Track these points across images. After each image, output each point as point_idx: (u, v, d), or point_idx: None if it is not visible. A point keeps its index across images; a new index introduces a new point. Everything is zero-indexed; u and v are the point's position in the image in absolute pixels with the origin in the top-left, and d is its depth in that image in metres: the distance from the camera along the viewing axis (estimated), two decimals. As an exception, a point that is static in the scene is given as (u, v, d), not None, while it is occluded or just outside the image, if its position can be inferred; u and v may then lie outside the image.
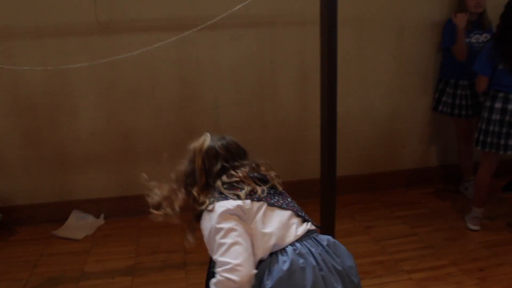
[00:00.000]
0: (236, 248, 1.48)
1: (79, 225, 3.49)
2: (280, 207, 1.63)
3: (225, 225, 1.51)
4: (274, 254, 1.54)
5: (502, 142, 3.07)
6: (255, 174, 1.70)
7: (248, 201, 1.58)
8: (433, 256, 3.01)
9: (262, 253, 1.54)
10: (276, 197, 1.67)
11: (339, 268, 1.55)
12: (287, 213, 1.63)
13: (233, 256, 1.47)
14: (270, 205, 1.62)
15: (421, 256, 3.01)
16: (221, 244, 1.49)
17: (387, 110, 3.93)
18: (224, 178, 1.67)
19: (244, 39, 3.49)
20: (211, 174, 1.72)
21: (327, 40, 2.02)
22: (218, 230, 1.51)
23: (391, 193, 4.00)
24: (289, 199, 1.72)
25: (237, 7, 2.29)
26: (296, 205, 1.71)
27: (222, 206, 1.56)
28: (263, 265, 1.53)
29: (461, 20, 3.38)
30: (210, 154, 1.74)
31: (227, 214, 1.53)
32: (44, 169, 3.49)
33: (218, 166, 1.71)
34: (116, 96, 3.44)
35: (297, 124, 3.77)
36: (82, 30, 3.26)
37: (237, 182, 1.65)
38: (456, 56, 3.54)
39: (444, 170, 4.17)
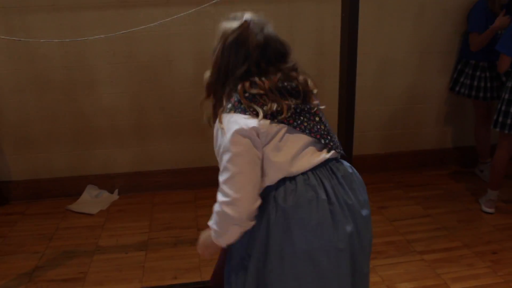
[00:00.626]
0: (240, 178, 1.35)
1: (94, 200, 3.52)
2: (303, 131, 1.43)
3: (234, 149, 1.35)
4: (282, 182, 1.42)
5: None
6: (286, 85, 1.43)
7: (267, 123, 1.38)
8: (446, 237, 3.00)
9: (269, 181, 1.42)
10: (302, 117, 1.44)
11: (350, 202, 1.45)
12: (308, 139, 1.45)
13: (235, 188, 1.35)
14: (292, 128, 1.42)
15: (434, 237, 3.00)
16: (226, 169, 1.37)
17: (403, 89, 3.88)
18: (247, 85, 1.41)
19: (262, 14, 3.44)
20: (232, 74, 1.46)
21: (348, 17, 1.99)
22: (226, 150, 1.36)
23: (405, 173, 3.98)
24: (317, 119, 1.48)
25: None
26: (324, 129, 1.49)
27: (236, 123, 1.36)
28: (269, 192, 1.42)
29: (501, 23, 3.32)
30: (238, 49, 1.46)
31: (239, 136, 1.34)
32: (60, 144, 3.52)
33: (243, 68, 1.44)
34: (132, 70, 3.43)
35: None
36: (99, 4, 3.24)
37: (260, 95, 1.40)
38: (472, 43, 3.49)
39: (459, 151, 4.13)
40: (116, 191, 3.65)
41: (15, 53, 3.27)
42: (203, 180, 3.62)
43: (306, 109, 1.46)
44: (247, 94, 1.40)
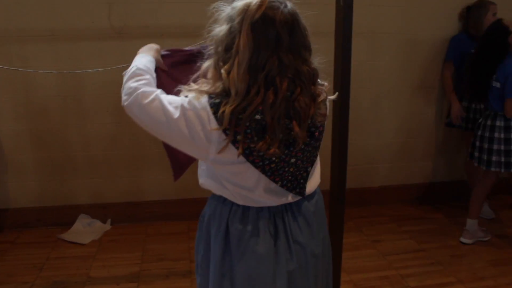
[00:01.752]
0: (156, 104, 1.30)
1: (86, 229, 3.49)
2: (265, 173, 1.33)
3: (183, 112, 1.26)
4: (237, 206, 1.42)
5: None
6: (284, 123, 1.25)
7: (233, 151, 1.26)
8: (440, 272, 2.98)
9: (228, 195, 1.43)
10: (274, 158, 1.30)
11: (301, 240, 1.45)
12: (266, 180, 1.35)
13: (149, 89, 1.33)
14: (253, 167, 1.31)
15: (428, 272, 2.98)
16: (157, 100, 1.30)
17: (395, 123, 3.92)
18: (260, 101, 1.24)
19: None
20: (257, 70, 1.23)
21: (342, 51, 2.02)
22: (178, 101, 1.29)
23: (398, 207, 3.98)
24: (292, 161, 1.33)
25: None
26: (292, 172, 1.37)
27: (204, 109, 1.25)
28: (225, 209, 1.44)
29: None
30: (266, 30, 1.22)
31: (192, 112, 1.25)
32: (53, 172, 3.50)
33: (273, 62, 1.22)
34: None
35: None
36: (96, 35, 3.28)
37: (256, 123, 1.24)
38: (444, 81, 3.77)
39: (452, 185, 4.14)
40: (109, 221, 3.62)
41: (12, 81, 3.28)
42: (197, 211, 3.57)
43: (285, 153, 1.31)
44: (247, 124, 1.23)
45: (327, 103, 1.38)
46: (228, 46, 1.25)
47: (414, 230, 3.57)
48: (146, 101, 1.30)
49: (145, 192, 3.65)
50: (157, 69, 1.63)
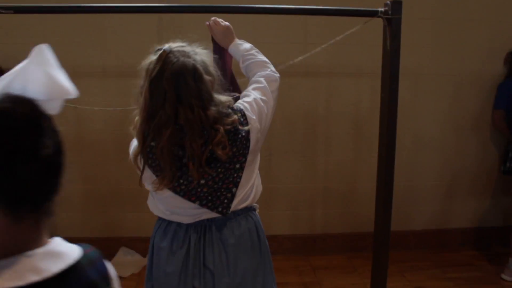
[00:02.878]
0: None
1: (126, 262, 3.52)
2: (177, 194, 1.55)
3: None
4: (163, 220, 1.66)
5: None
6: (179, 153, 1.48)
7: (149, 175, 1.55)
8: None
9: (157, 212, 1.68)
10: (182, 180, 1.51)
11: (210, 266, 1.57)
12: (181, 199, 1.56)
13: None
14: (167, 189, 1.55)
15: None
16: None
17: (440, 164, 3.84)
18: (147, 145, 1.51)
19: (299, 88, 3.54)
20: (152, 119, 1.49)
21: (388, 94, 2.02)
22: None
23: (442, 252, 3.85)
24: (202, 182, 1.52)
25: (299, 58, 2.32)
26: (206, 191, 1.54)
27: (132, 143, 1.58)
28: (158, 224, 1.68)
29: None
30: (156, 85, 1.46)
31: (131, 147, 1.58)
32: (98, 204, 3.58)
33: (161, 113, 1.46)
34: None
35: (349, 175, 3.73)
36: (145, 72, 3.39)
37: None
38: (495, 123, 3.65)
39: (500, 231, 3.98)
40: (149, 254, 3.64)
41: (65, 115, 3.35)
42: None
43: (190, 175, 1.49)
44: (150, 156, 1.49)
45: (250, 136, 1.55)
46: (137, 101, 1.52)
47: (459, 277, 3.44)
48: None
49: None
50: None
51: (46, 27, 3.33)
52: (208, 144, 1.45)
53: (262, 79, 1.67)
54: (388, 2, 1.98)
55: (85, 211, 3.59)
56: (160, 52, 1.46)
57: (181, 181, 1.50)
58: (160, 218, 1.67)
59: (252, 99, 1.61)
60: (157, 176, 1.50)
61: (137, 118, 1.53)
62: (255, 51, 1.79)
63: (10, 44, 3.31)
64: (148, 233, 3.59)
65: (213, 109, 1.46)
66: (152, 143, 1.45)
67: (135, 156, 1.51)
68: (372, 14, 2.00)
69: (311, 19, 3.42)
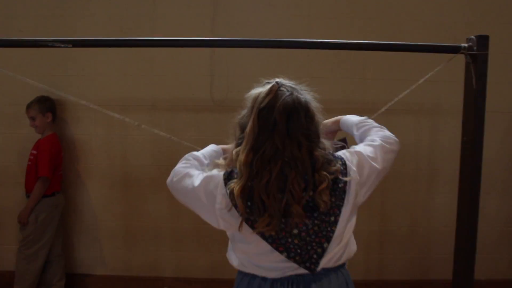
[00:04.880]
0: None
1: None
2: (266, 240, 1.39)
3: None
4: (251, 276, 1.48)
5: None
6: (281, 197, 1.34)
7: (235, 218, 1.37)
8: None
9: (241, 266, 1.49)
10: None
11: None
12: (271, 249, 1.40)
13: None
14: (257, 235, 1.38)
15: None
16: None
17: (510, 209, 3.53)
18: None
19: (401, 126, 3.34)
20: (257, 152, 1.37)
21: (473, 136, 1.83)
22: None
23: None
24: (295, 232, 1.38)
25: (403, 93, 2.15)
26: (297, 243, 1.39)
27: (214, 176, 1.42)
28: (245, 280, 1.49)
29: None
30: (267, 117, 1.36)
31: (207, 180, 1.41)
32: (140, 242, 3.44)
33: (268, 146, 1.36)
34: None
35: (407, 217, 3.48)
36: (195, 106, 3.28)
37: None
38: None
39: None
40: (192, 296, 3.47)
41: (112, 149, 3.33)
42: None
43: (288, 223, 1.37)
44: (248, 203, 1.35)
45: (348, 188, 1.41)
46: (241, 130, 1.42)
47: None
48: (176, 178, 1.49)
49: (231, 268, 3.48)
50: None
51: (97, 59, 3.27)
52: (309, 190, 1.34)
53: (377, 138, 1.56)
54: (473, 37, 1.80)
55: (128, 249, 3.45)
56: (270, 84, 1.40)
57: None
58: (241, 272, 1.51)
59: (356, 151, 1.48)
60: (250, 220, 1.36)
61: (235, 150, 1.42)
62: (369, 120, 1.70)
63: (62, 76, 3.27)
64: (190, 274, 3.48)
65: (319, 151, 1.38)
66: (254, 180, 1.34)
67: (239, 192, 1.33)
68: (455, 50, 1.83)
69: (370, 55, 3.25)
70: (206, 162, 1.63)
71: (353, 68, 3.30)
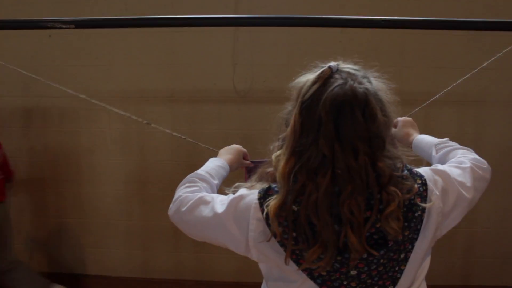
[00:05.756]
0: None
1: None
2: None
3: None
4: None
5: None
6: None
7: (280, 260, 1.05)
8: None
9: None
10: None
11: None
12: None
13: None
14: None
15: None
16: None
17: None
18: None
19: (442, 118, 3.05)
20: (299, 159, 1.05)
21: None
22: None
23: None
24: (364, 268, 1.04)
25: (456, 82, 1.87)
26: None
27: (245, 196, 1.11)
28: None
29: None
30: (310, 114, 1.03)
31: (236, 203, 1.11)
32: (159, 243, 3.25)
33: (312, 153, 1.02)
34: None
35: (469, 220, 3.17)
36: (218, 97, 3.05)
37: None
38: None
39: None
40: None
41: (128, 143, 3.14)
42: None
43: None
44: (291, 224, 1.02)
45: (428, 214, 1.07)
46: (280, 128, 1.13)
47: None
48: (185, 207, 1.20)
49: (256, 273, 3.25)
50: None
51: (113, 47, 3.06)
52: (373, 214, 1.00)
53: (466, 161, 1.24)
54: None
55: (147, 249, 3.27)
56: (323, 69, 1.06)
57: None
58: None
59: (440, 170, 1.16)
60: (295, 252, 1.03)
61: (275, 154, 1.11)
62: (452, 141, 1.40)
63: (76, 66, 3.07)
64: (212, 276, 3.26)
65: (386, 162, 1.03)
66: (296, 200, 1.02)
67: (274, 211, 1.02)
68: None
69: (408, 37, 2.95)
70: (215, 182, 1.35)
71: (389, 53, 3.01)
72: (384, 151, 1.03)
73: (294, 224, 1.01)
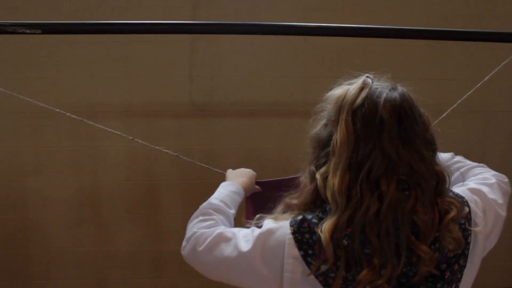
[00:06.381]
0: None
1: None
2: None
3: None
4: None
5: None
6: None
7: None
8: None
9: None
10: None
11: None
12: None
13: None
14: None
15: None
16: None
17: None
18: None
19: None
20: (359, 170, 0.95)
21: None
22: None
23: None
24: None
25: (469, 92, 1.78)
26: None
27: (274, 230, 0.98)
28: None
29: None
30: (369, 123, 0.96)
31: (265, 239, 0.98)
32: (114, 269, 3.00)
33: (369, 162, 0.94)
34: (207, 188, 2.94)
35: None
36: (176, 111, 2.87)
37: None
38: None
39: None
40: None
41: (79, 163, 2.88)
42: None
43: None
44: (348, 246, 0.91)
45: (473, 232, 0.99)
46: (323, 144, 1.00)
47: None
48: (203, 246, 1.06)
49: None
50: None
51: (60, 58, 2.82)
52: (437, 220, 0.92)
53: (490, 176, 1.15)
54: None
55: (102, 278, 3.00)
56: (360, 79, 1.00)
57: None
58: None
59: (475, 189, 1.07)
60: (348, 279, 0.92)
61: (319, 173, 0.98)
62: (459, 156, 1.32)
63: (19, 78, 2.79)
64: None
65: (441, 167, 0.97)
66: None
67: (329, 234, 0.90)
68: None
69: (376, 48, 2.89)
70: (231, 212, 1.22)
71: (353, 63, 2.94)
72: (435, 158, 0.98)
73: (347, 247, 0.91)
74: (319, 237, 0.91)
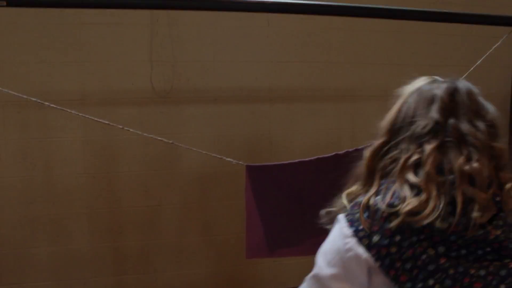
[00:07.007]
0: None
1: None
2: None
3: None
4: None
5: None
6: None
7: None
8: None
9: None
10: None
11: None
12: None
13: None
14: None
15: None
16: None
17: None
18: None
19: (322, 114, 2.97)
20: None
21: None
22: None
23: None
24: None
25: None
26: None
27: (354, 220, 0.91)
28: None
29: None
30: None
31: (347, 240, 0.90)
32: (72, 270, 2.80)
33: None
34: (172, 180, 2.82)
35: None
36: (136, 99, 2.71)
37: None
38: None
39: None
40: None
41: (30, 155, 2.65)
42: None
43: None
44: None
45: None
46: (403, 123, 0.99)
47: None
48: None
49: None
50: None
51: (7, 41, 2.57)
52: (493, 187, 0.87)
53: None
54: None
55: (56, 280, 2.79)
56: (424, 78, 1.04)
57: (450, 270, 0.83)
58: None
59: None
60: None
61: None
62: None
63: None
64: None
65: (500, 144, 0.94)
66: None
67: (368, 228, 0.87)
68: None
69: (334, 34, 2.89)
70: None
71: (316, 48, 2.92)
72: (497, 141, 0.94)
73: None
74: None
